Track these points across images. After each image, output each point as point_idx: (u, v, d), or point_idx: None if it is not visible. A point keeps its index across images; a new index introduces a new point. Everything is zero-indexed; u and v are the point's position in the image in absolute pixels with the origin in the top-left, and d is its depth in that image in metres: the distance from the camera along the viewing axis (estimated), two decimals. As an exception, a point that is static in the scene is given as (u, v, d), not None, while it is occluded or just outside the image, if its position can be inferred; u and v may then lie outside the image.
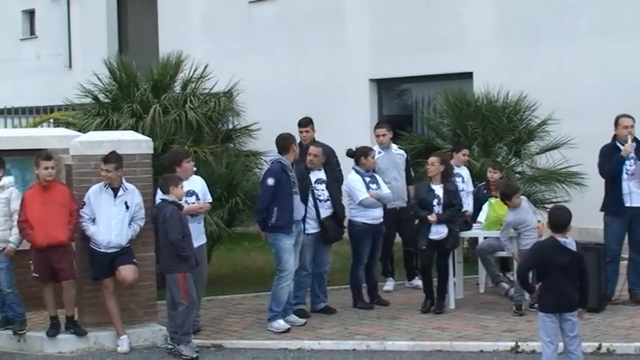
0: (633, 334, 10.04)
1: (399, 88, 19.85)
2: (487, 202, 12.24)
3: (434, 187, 11.46)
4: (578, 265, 7.93)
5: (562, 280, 7.84)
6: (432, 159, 11.63)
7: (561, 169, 14.64)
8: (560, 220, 7.98)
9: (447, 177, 11.58)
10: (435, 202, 11.36)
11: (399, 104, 19.96)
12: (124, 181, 10.25)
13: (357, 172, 11.87)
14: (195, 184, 10.70)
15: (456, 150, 13.28)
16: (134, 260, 10.25)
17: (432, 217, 11.32)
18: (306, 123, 13.17)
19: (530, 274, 8.55)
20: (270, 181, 10.75)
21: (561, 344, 8.10)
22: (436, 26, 18.47)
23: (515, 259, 11.28)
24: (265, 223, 10.81)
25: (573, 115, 15.47)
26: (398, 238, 13.12)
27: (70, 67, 27.83)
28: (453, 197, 11.47)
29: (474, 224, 12.10)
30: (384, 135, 12.83)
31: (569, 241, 7.95)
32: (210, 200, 10.94)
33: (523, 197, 11.67)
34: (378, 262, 12.26)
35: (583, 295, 8.00)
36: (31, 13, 30.36)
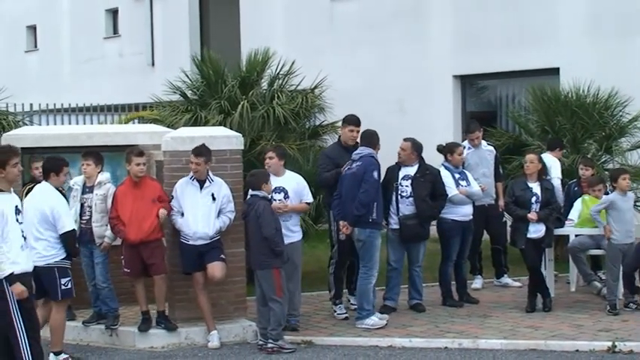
0: None
1: (482, 84, 19.64)
2: (580, 199, 12.02)
3: (531, 184, 11.26)
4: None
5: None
6: (531, 156, 11.43)
7: (650, 167, 14.34)
8: None
9: (544, 175, 11.35)
10: (534, 199, 11.16)
11: (482, 100, 19.75)
12: (210, 173, 10.25)
13: (447, 168, 11.73)
14: (289, 181, 10.63)
15: (551, 148, 13.05)
16: (222, 256, 10.23)
17: (532, 216, 11.11)
18: (359, 121, 11.75)
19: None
20: (376, 175, 10.60)
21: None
22: (522, 20, 18.24)
23: (606, 233, 11.02)
24: (364, 219, 10.59)
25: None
26: (486, 236, 12.95)
27: (153, 65, 28.05)
28: (550, 195, 11.25)
29: (567, 222, 11.86)
30: (477, 138, 12.65)
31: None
32: (309, 200, 10.84)
33: (631, 195, 11.35)
34: (466, 259, 12.10)
35: None
36: (114, 12, 30.66)
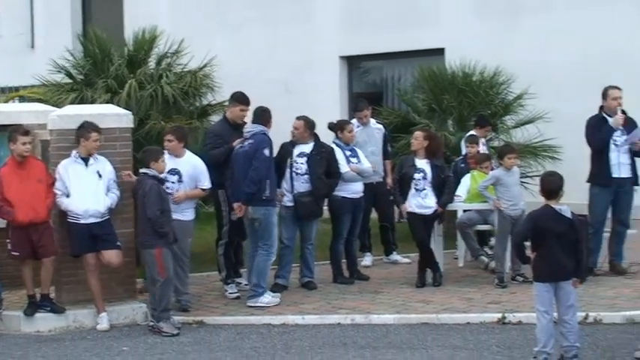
0: (619, 303, 10.01)
1: (369, 64, 19.76)
2: (469, 175, 12.17)
3: (418, 161, 11.30)
4: (573, 234, 7.83)
5: (558, 249, 7.74)
6: (417, 133, 11.50)
7: (536, 143, 14.63)
8: (554, 185, 7.88)
9: (434, 152, 11.39)
10: (420, 176, 11.21)
11: (369, 81, 19.87)
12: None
13: (338, 145, 11.73)
14: (185, 164, 10.44)
15: (480, 125, 13.24)
16: (118, 244, 10.01)
17: (403, 208, 11.30)
18: (249, 100, 11.53)
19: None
20: (267, 152, 10.51)
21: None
22: (408, 1, 18.39)
23: (496, 205, 11.20)
24: (257, 196, 10.48)
25: (549, 89, 15.52)
26: (374, 213, 13.02)
27: (33, 47, 27.31)
28: (441, 171, 11.33)
29: (455, 197, 11.98)
30: (366, 116, 12.70)
31: (565, 208, 7.86)
32: (205, 187, 10.61)
33: (516, 170, 11.55)
34: (357, 237, 12.13)
35: (578, 264, 7.90)
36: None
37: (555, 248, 7.74)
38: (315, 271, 11.61)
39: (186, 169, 10.41)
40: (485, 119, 13.63)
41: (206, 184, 10.60)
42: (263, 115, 10.78)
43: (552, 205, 7.84)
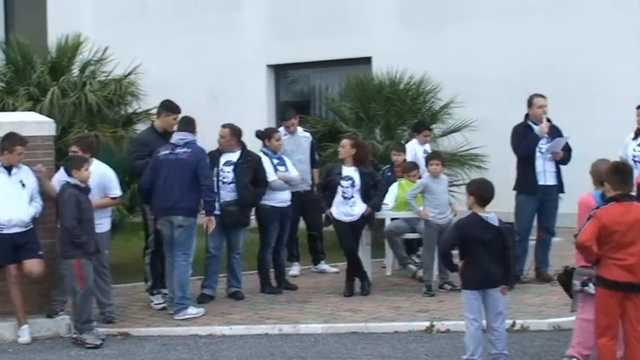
0: (545, 310, 10.06)
1: (296, 73, 19.72)
2: (396, 184, 12.15)
3: (345, 169, 11.23)
4: (501, 241, 7.83)
5: (485, 256, 7.73)
6: (344, 141, 11.44)
7: (463, 151, 14.69)
8: (487, 194, 7.88)
9: (362, 160, 11.33)
10: (348, 184, 11.15)
11: (296, 89, 19.84)
12: None
13: (265, 153, 11.63)
14: (92, 174, 9.93)
15: (417, 131, 13.17)
16: (40, 253, 9.75)
17: (328, 214, 11.24)
18: (179, 108, 11.46)
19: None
20: (208, 161, 10.48)
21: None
22: (334, 10, 18.42)
23: (421, 216, 11.19)
24: (193, 206, 10.38)
25: (475, 98, 15.62)
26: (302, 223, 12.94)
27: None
28: (371, 178, 11.28)
29: (383, 206, 11.94)
30: (293, 125, 12.63)
31: (492, 216, 7.86)
32: (114, 195, 10.33)
33: (443, 178, 11.56)
34: (285, 246, 12.02)
35: (506, 271, 7.91)
36: None
37: (483, 256, 7.73)
38: (242, 281, 11.48)
39: (94, 179, 9.98)
40: (421, 124, 13.57)
41: (116, 192, 10.36)
42: (191, 124, 10.64)
43: (479, 214, 7.83)
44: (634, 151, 11.11)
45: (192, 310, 10.37)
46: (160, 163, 10.40)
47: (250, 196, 11.16)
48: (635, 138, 11.24)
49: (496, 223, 7.84)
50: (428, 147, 13.06)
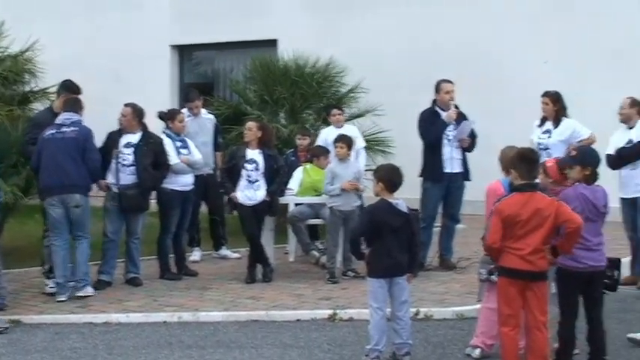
0: (448, 299, 9.93)
1: (201, 54, 19.36)
2: (301, 168, 11.90)
3: (250, 152, 10.94)
4: (409, 228, 7.63)
5: (393, 244, 7.52)
6: (250, 124, 11.12)
7: (369, 136, 14.52)
8: (396, 180, 7.67)
9: (266, 143, 11.07)
10: (253, 167, 10.87)
11: (200, 71, 19.47)
12: None
13: (168, 135, 11.26)
14: None
15: (327, 113, 12.93)
16: None
17: (233, 197, 10.96)
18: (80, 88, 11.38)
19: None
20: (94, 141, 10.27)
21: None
22: (241, -9, 18.11)
23: (347, 186, 10.91)
24: (87, 183, 10.22)
25: (381, 83, 15.48)
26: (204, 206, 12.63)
27: None
28: (274, 162, 11.01)
29: (286, 191, 11.70)
30: (197, 106, 12.29)
31: (401, 202, 7.65)
32: None
33: (352, 162, 11.35)
34: (186, 231, 11.68)
35: (413, 258, 7.73)
36: None
37: (391, 243, 7.52)
38: (140, 267, 11.12)
39: None
40: (329, 106, 13.29)
41: None
42: (77, 104, 10.31)
43: (389, 200, 7.61)
44: (539, 138, 11.07)
45: (90, 289, 10.18)
46: (47, 143, 10.06)
47: (151, 179, 10.81)
48: (540, 125, 11.19)
49: (405, 210, 7.65)
50: (346, 128, 12.67)
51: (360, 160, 12.45)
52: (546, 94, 11.15)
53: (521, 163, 7.07)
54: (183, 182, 11.25)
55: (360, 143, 12.68)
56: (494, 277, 7.36)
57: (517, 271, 6.92)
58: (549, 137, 10.96)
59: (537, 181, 7.32)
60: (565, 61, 15.27)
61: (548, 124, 11.08)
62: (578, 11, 15.32)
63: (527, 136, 10.99)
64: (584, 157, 7.66)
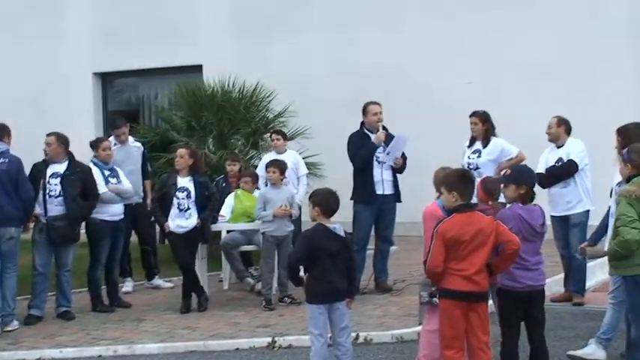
0: (387, 322, 9.88)
1: (124, 81, 19.17)
2: (233, 194, 11.80)
3: (180, 180, 10.80)
4: (347, 252, 7.56)
5: (331, 269, 7.43)
6: (182, 151, 10.94)
7: (299, 160, 14.44)
8: (333, 204, 7.59)
9: (197, 170, 10.94)
10: (184, 195, 10.73)
11: (124, 98, 19.27)
12: None
13: (95, 164, 11.05)
14: None
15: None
16: None
17: (165, 227, 10.78)
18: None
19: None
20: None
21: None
22: (163, 16, 18.03)
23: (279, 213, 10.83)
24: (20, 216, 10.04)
25: (310, 106, 15.50)
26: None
27: None
28: (205, 189, 10.89)
29: (219, 218, 11.57)
30: (123, 134, 12.09)
31: (338, 227, 7.57)
32: None
33: (285, 189, 11.25)
34: (118, 262, 11.46)
35: (351, 283, 7.67)
36: None
37: (329, 268, 7.44)
38: (72, 300, 10.88)
39: None
40: (274, 131, 13.17)
41: None
42: (4, 130, 10.07)
43: (326, 224, 7.54)
44: (469, 158, 11.10)
45: (16, 323, 10.05)
46: None
47: (79, 209, 10.58)
48: (469, 145, 11.24)
49: (342, 234, 7.58)
50: (289, 154, 12.57)
51: (300, 188, 12.35)
52: (475, 114, 11.21)
53: (462, 183, 7.04)
54: (113, 212, 11.04)
55: (302, 170, 12.60)
56: (435, 300, 7.33)
57: (461, 293, 6.87)
58: (479, 157, 11.01)
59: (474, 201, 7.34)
60: (488, 81, 15.42)
61: (478, 144, 11.13)
62: (497, 30, 15.50)
63: (455, 156, 10.97)
64: (518, 176, 7.68)
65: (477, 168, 10.83)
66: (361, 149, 11.26)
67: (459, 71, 15.65)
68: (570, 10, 14.95)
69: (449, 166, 8.00)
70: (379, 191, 11.26)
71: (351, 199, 11.29)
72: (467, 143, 11.29)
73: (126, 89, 19.26)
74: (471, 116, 11.26)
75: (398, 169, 11.43)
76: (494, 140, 11.14)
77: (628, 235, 7.24)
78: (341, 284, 7.53)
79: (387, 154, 11.22)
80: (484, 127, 11.12)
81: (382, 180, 11.28)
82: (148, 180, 12.39)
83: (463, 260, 6.88)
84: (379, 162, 11.26)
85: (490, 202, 7.87)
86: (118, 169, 11.24)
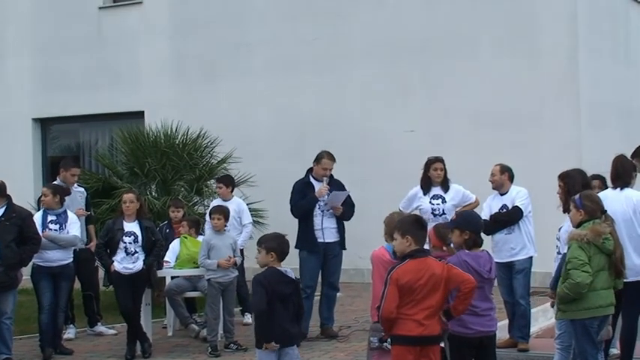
0: (335, 368, 9.88)
1: (65, 127, 19.04)
2: (178, 240, 11.72)
3: (127, 224, 10.71)
4: (297, 296, 7.54)
5: (283, 313, 7.40)
6: (129, 195, 10.83)
7: (243, 207, 14.43)
8: (286, 248, 7.60)
9: (142, 214, 10.86)
10: (131, 239, 10.62)
11: (64, 144, 19.11)
12: None
13: (44, 209, 10.92)
14: None
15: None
16: None
17: (111, 267, 10.63)
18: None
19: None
20: None
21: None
22: (105, 63, 18.06)
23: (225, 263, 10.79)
24: None
25: (252, 153, 15.55)
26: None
27: None
28: (152, 233, 10.81)
29: (164, 264, 11.46)
30: (72, 175, 11.95)
31: (289, 270, 7.55)
32: None
33: (228, 234, 11.23)
34: (62, 308, 11.23)
35: (300, 325, 7.65)
36: None
37: (281, 312, 7.40)
38: (12, 347, 10.62)
39: None
40: (217, 179, 13.13)
41: None
42: None
43: (278, 267, 7.51)
44: (432, 204, 11.01)
45: None
46: None
47: (13, 256, 10.33)
48: (425, 193, 11.18)
49: (293, 277, 7.57)
50: (234, 201, 12.56)
51: (242, 236, 12.31)
52: (439, 160, 11.18)
53: (417, 229, 7.04)
54: (47, 258, 10.81)
55: (245, 219, 12.57)
56: (387, 345, 7.32)
57: (414, 338, 6.87)
58: (443, 202, 11.02)
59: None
60: (430, 129, 15.58)
61: (436, 190, 11.12)
62: (438, 78, 15.70)
63: (394, 204, 10.98)
64: (462, 221, 7.74)
65: (443, 214, 10.88)
66: (301, 201, 11.29)
67: (401, 119, 15.79)
68: (511, 59, 15.20)
69: (401, 211, 8.05)
70: (321, 239, 11.27)
71: (296, 247, 11.25)
72: (417, 190, 11.24)
73: (66, 135, 19.11)
74: (434, 162, 11.20)
75: (342, 216, 11.45)
76: (453, 186, 11.21)
77: (578, 278, 7.35)
78: (292, 328, 7.50)
79: (325, 204, 11.26)
80: (444, 173, 11.19)
81: (324, 228, 11.29)
82: (92, 225, 12.27)
83: (416, 305, 6.85)
84: (321, 210, 11.28)
85: (444, 248, 7.90)
86: (70, 217, 11.05)
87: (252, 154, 15.56)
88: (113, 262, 10.62)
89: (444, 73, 15.66)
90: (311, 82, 16.47)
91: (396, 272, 6.87)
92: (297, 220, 11.46)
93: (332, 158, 11.45)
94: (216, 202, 12.48)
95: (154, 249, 10.81)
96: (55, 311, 10.96)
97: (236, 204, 12.52)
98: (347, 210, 11.50)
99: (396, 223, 7.30)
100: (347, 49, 16.39)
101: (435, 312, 6.94)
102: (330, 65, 16.44)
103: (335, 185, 11.48)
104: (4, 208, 10.37)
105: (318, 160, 11.45)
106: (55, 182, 11.99)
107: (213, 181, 14.20)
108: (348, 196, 11.49)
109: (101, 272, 11.32)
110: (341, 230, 11.51)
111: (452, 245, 7.87)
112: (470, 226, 7.63)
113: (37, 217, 10.83)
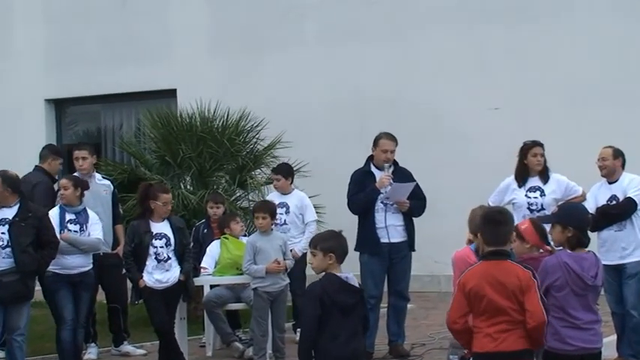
0: (406, 393, 9.81)
1: (83, 109, 19.17)
2: (218, 242, 11.70)
3: (156, 225, 10.68)
4: (362, 307, 7.39)
5: (346, 328, 7.26)
6: (169, 196, 10.81)
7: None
8: (346, 248, 7.43)
9: (171, 212, 10.90)
10: (162, 243, 10.62)
11: (83, 128, 19.26)
12: None
13: (60, 205, 10.96)
14: None
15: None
16: None
17: (141, 283, 10.62)
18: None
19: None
20: None
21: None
22: (130, 35, 18.05)
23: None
24: None
25: (305, 137, 15.48)
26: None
27: None
28: (183, 236, 10.80)
29: (201, 270, 11.46)
30: (83, 158, 11.95)
31: (351, 276, 7.38)
32: None
33: (276, 234, 11.22)
34: (82, 323, 11.26)
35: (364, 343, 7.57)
36: None
37: (343, 327, 7.24)
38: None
39: None
40: (273, 170, 13.14)
41: None
42: None
43: (337, 274, 7.35)
44: (528, 198, 10.91)
45: None
46: None
47: (31, 262, 10.39)
48: (521, 184, 11.03)
49: (357, 285, 7.43)
50: (295, 195, 12.57)
51: (304, 237, 12.23)
52: (538, 144, 11.05)
53: (486, 226, 6.92)
54: (66, 264, 10.84)
55: (310, 216, 12.51)
56: (470, 364, 7.21)
57: (491, 354, 6.74)
58: (542, 196, 10.91)
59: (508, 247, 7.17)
60: (518, 108, 15.42)
61: (534, 181, 11.00)
62: (531, 53, 15.53)
63: (474, 195, 10.84)
64: (565, 215, 7.63)
65: (542, 209, 10.78)
66: (360, 193, 11.19)
67: (482, 95, 15.66)
68: (619, 17, 14.98)
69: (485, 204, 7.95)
70: (384, 239, 11.16)
71: (355, 249, 11.15)
72: (509, 181, 11.11)
73: (84, 119, 19.24)
74: (532, 147, 11.07)
75: (410, 211, 11.31)
76: (554, 176, 11.08)
77: None
78: (358, 346, 7.37)
79: (387, 198, 11.14)
80: (544, 159, 11.06)
81: (388, 226, 11.17)
82: (120, 225, 12.26)
83: (490, 318, 6.74)
84: (384, 204, 11.17)
85: (547, 248, 7.75)
86: (91, 215, 11.05)
87: (305, 138, 15.52)
88: (142, 276, 10.60)
89: (533, 37, 15.48)
90: (373, 54, 16.41)
91: (464, 276, 6.85)
92: (356, 218, 11.36)
93: (392, 138, 11.35)
94: (273, 195, 12.43)
95: (184, 254, 10.79)
96: (75, 327, 10.99)
97: (297, 198, 12.48)
98: (415, 205, 11.36)
99: (475, 218, 7.23)
100: (415, 13, 16.31)
101: (512, 324, 6.74)
102: (395, 33, 16.36)
103: (400, 175, 11.35)
104: (17, 207, 10.39)
105: (375, 142, 11.36)
106: (74, 174, 11.98)
107: (258, 170, 14.19)
108: (418, 188, 11.35)
109: (129, 283, 11.28)
110: (409, 228, 11.38)
111: (552, 244, 7.75)
112: (574, 221, 7.52)
113: (54, 216, 10.84)
